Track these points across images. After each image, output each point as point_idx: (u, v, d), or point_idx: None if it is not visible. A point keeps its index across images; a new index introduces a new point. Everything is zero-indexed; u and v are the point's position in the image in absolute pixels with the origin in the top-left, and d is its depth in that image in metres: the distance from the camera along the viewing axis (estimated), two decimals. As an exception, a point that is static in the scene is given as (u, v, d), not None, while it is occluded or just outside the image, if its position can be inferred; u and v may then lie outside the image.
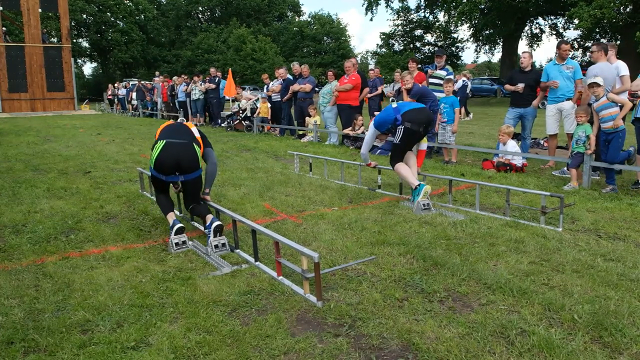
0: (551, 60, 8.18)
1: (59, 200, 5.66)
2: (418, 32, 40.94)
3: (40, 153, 9.64)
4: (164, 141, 4.10)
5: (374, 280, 3.32)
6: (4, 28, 28.37)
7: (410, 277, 3.35)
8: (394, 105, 5.51)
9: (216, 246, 3.85)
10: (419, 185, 5.13)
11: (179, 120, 4.63)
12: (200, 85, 16.14)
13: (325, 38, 55.71)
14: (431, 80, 9.23)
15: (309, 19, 58.45)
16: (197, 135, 4.37)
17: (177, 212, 4.78)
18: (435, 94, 8.47)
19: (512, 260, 3.62)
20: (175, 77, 19.37)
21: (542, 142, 9.49)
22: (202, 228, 4.47)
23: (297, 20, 60.23)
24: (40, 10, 27.77)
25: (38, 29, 27.48)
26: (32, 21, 27.18)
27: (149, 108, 21.39)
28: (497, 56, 49.49)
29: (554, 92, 7.41)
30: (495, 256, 3.71)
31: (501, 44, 34.04)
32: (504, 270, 3.42)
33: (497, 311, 2.85)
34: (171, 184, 4.50)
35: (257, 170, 7.44)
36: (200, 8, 58.94)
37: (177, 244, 3.94)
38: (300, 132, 11.91)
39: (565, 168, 6.94)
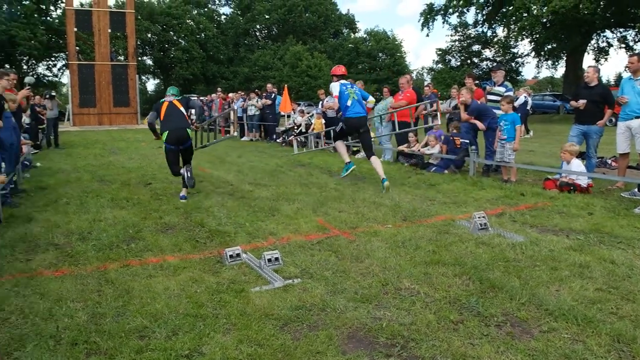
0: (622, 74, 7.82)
1: (122, 210, 5.92)
2: (476, 47, 40.27)
3: (105, 165, 10.15)
4: (167, 131, 6.36)
5: (427, 300, 3.25)
6: (77, 48, 30.30)
7: (466, 299, 3.25)
8: (349, 103, 7.02)
9: (269, 260, 3.89)
10: (349, 162, 7.16)
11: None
12: (257, 101, 16.51)
13: (380, 54, 55.83)
14: (490, 97, 9.03)
15: (364, 35, 58.82)
16: (185, 114, 6.59)
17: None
18: (495, 111, 8.28)
19: (577, 286, 3.45)
20: (232, 93, 19.93)
21: (609, 161, 9.05)
22: (253, 243, 4.56)
23: (352, 36, 60.75)
24: (109, 30, 29.53)
25: (107, 48, 29.17)
26: (102, 41, 28.90)
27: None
28: (560, 71, 47.71)
29: (624, 109, 7.06)
30: (557, 281, 3.55)
31: (565, 58, 32.88)
32: (567, 296, 3.26)
33: (559, 340, 2.71)
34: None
35: (311, 185, 7.50)
36: (257, 26, 60.64)
37: (231, 256, 4.02)
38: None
39: (637, 189, 6.57)
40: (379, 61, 55.45)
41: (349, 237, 4.72)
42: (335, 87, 7.30)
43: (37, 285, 3.56)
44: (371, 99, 7.56)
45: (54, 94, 15.04)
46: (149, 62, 56.70)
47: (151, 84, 66.26)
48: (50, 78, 55.45)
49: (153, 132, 6.83)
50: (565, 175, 7.02)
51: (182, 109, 6.52)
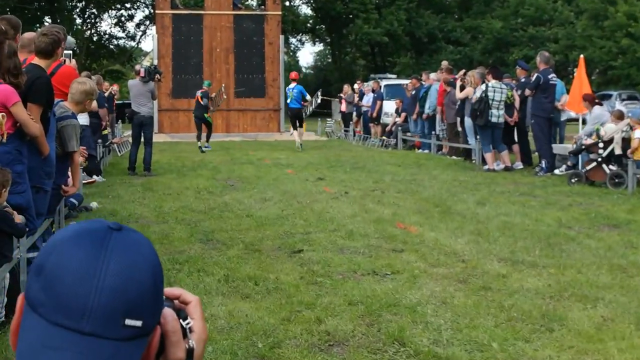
0: None
1: (244, 302, 6.27)
2: None
3: (216, 210, 10.91)
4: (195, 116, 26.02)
5: None
6: (176, -15, 32.97)
7: None
8: (289, 100, 26.35)
9: None
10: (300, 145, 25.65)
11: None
12: (513, 89, 16.49)
13: None
14: None
15: None
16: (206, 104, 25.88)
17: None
18: None
19: None
20: (471, 72, 19.34)
21: None
22: None
23: None
24: (234, -51, 31.60)
25: (228, -16, 31.14)
26: (218, -29, 30.74)
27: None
28: None
29: None
30: None
31: None
32: None
33: None
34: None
35: (632, 269, 7.26)
36: None
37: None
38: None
39: None
40: None
41: None
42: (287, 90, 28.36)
43: None
44: (308, 97, 28.68)
45: (159, 69, 17.68)
46: (306, 11, 60.24)
47: (307, 53, 69.78)
48: (122, 42, 60.80)
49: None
50: None
51: (201, 101, 24.74)
